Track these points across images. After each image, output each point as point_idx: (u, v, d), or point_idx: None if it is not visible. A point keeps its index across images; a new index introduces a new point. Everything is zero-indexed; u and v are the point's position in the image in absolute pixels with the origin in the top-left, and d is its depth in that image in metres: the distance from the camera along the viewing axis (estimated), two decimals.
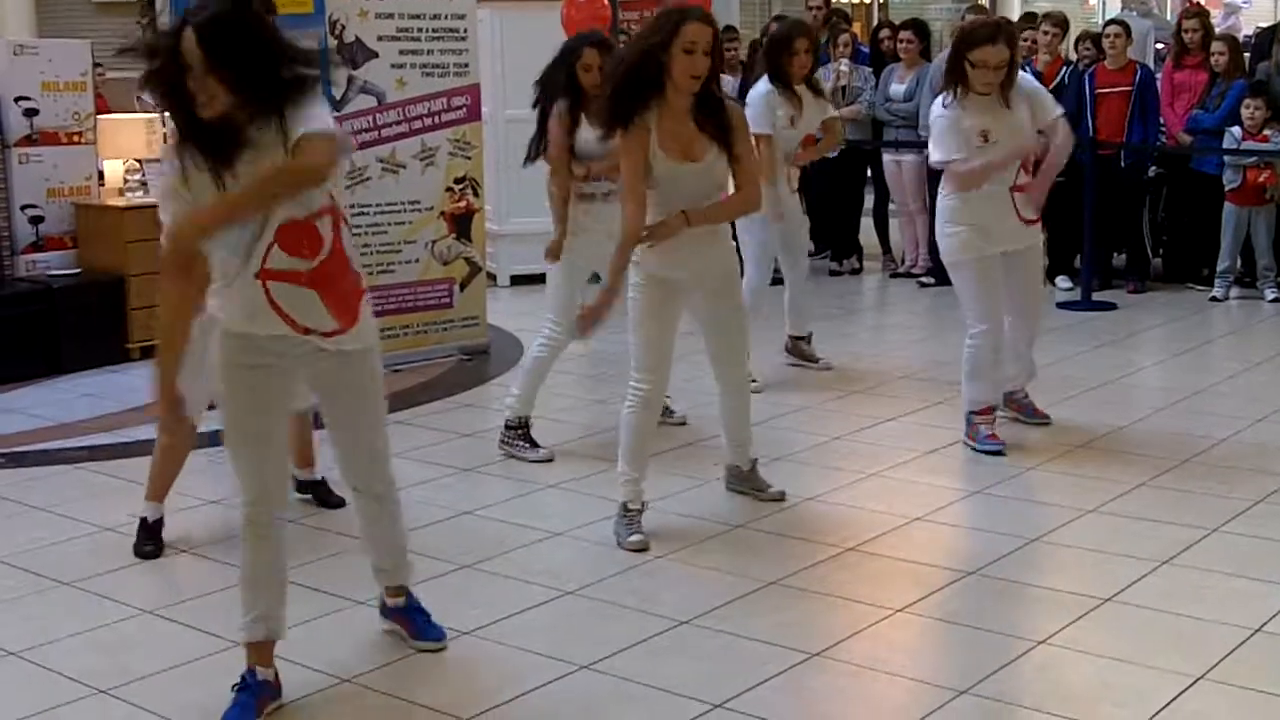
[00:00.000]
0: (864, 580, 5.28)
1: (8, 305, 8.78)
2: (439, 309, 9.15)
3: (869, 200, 12.88)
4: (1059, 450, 6.79)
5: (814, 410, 7.69)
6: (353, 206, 8.70)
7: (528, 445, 6.81)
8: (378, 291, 8.86)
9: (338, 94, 8.61)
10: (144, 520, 5.65)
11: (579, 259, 6.78)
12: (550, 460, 6.73)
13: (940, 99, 6.67)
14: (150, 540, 5.62)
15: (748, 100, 7.94)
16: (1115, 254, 11.69)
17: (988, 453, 6.70)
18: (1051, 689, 4.29)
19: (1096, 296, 10.78)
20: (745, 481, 6.16)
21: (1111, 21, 11.67)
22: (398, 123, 8.94)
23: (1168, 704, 4.14)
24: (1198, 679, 4.29)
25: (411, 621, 4.70)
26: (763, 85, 8.05)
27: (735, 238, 7.89)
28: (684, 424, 7.16)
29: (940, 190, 6.79)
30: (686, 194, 5.41)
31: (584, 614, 4.95)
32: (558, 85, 6.69)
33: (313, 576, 5.22)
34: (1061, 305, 10.72)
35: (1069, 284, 11.32)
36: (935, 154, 6.68)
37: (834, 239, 12.68)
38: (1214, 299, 10.80)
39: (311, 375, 4.26)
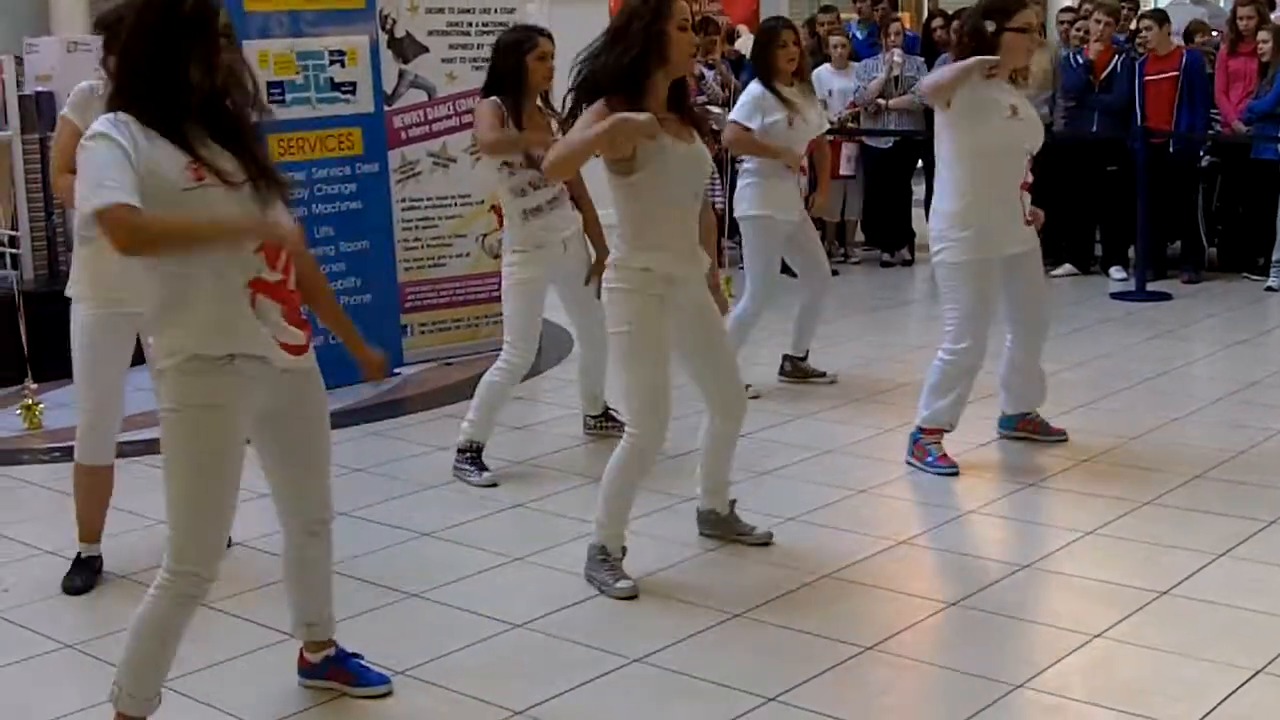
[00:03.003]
0: (917, 574, 5.26)
1: (63, 301, 8.82)
2: (490, 302, 9.14)
3: (919, 191, 12.83)
4: (1113, 442, 6.74)
5: (864, 403, 7.67)
6: (403, 200, 8.76)
7: (474, 469, 6.43)
8: (428, 285, 8.92)
9: (389, 89, 8.65)
10: (79, 555, 5.37)
11: (536, 275, 6.44)
12: (494, 485, 6.32)
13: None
14: (81, 573, 5.31)
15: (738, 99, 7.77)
16: (1169, 244, 11.62)
17: (941, 474, 6.34)
18: (1107, 683, 4.26)
19: (1151, 287, 10.70)
20: (724, 527, 5.57)
21: (1144, 15, 11.66)
22: (448, 117, 8.97)
23: (1225, 698, 4.10)
24: (1256, 672, 4.25)
25: (348, 670, 4.34)
26: (754, 87, 7.70)
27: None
28: None
29: (949, 187, 6.27)
30: (680, 176, 4.97)
31: (635, 607, 4.95)
32: (510, 77, 6.33)
33: (360, 569, 5.24)
34: (1115, 296, 10.66)
35: (1123, 274, 11.26)
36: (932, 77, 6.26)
37: (884, 230, 12.65)
38: (1270, 289, 10.70)
39: (270, 403, 3.85)
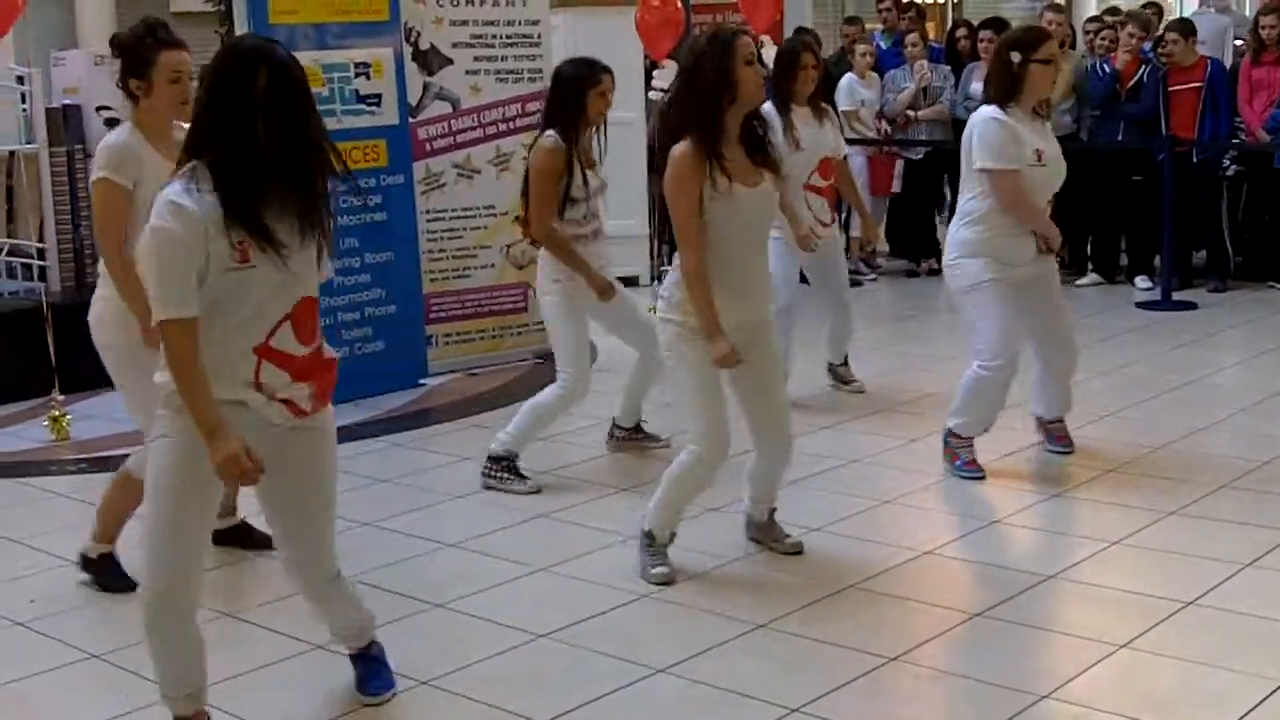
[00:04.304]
0: (941, 584, 5.26)
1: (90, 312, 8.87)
2: (514, 313, 9.19)
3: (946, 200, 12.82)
4: (1138, 452, 6.72)
5: (891, 413, 7.67)
6: (428, 212, 8.79)
7: (513, 477, 6.47)
8: (454, 296, 8.95)
9: (413, 101, 8.68)
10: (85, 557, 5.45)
11: (579, 303, 6.49)
12: (538, 492, 6.40)
13: (991, 107, 6.24)
14: (102, 572, 5.40)
15: None
16: (1195, 253, 11.59)
17: (967, 478, 6.39)
18: (1132, 693, 4.25)
19: (1176, 296, 10.68)
20: (762, 531, 5.65)
21: (1169, 27, 11.63)
22: (472, 128, 9.01)
23: (1251, 709, 4.09)
24: None
25: (367, 671, 4.39)
26: (768, 110, 7.42)
27: None
28: (668, 446, 6.95)
29: (966, 217, 6.32)
30: (743, 220, 5.07)
31: (660, 617, 4.96)
32: (570, 110, 6.38)
33: (384, 580, 5.26)
34: (1141, 305, 10.63)
35: (1148, 284, 11.22)
36: (989, 160, 6.16)
37: (911, 240, 12.63)
38: None
39: (274, 453, 3.82)
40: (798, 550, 5.55)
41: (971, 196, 6.33)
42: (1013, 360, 6.36)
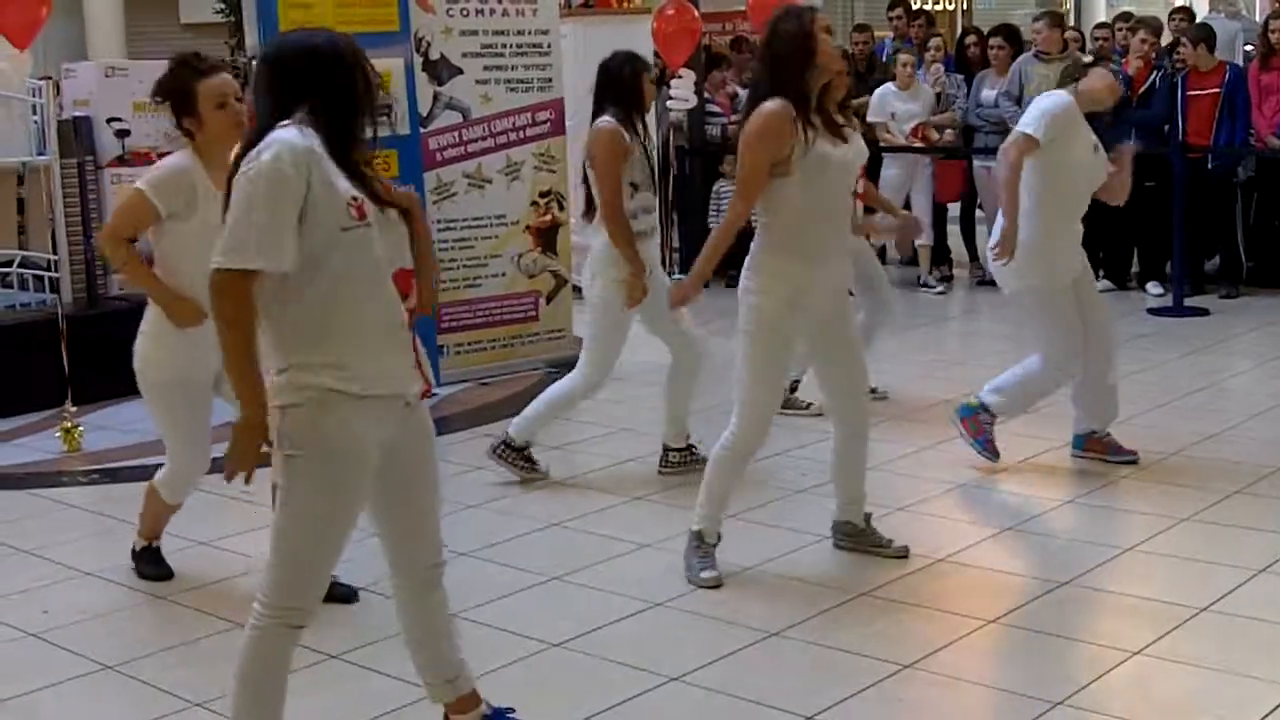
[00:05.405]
0: (955, 591, 5.24)
1: (102, 325, 8.86)
2: (525, 322, 9.20)
3: (955, 208, 12.80)
4: (1151, 458, 6.70)
5: (903, 420, 7.65)
6: (439, 221, 8.79)
7: (528, 466, 6.65)
8: (464, 305, 8.95)
9: (424, 111, 8.69)
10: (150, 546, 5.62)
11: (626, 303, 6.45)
12: (545, 477, 6.63)
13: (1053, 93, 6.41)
14: (140, 561, 5.60)
15: None
16: (1207, 259, 11.57)
17: (984, 456, 6.58)
18: (1146, 700, 4.24)
19: (1188, 302, 10.65)
20: (862, 539, 5.58)
21: (1184, 32, 11.65)
22: (483, 138, 9.02)
23: (1266, 715, 4.07)
24: None
25: None
26: None
27: None
28: None
29: (1030, 208, 6.33)
30: (829, 181, 5.12)
31: (673, 626, 4.95)
32: (628, 94, 6.42)
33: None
34: (1153, 311, 10.62)
35: (1160, 290, 11.20)
36: (1033, 128, 6.24)
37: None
38: None
39: (388, 440, 3.67)
40: (904, 554, 5.49)
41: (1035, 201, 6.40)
42: (1076, 361, 6.52)
